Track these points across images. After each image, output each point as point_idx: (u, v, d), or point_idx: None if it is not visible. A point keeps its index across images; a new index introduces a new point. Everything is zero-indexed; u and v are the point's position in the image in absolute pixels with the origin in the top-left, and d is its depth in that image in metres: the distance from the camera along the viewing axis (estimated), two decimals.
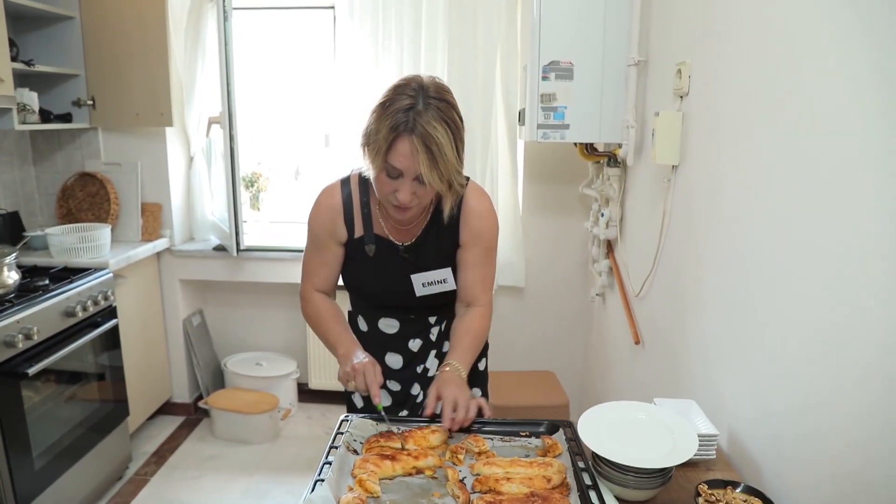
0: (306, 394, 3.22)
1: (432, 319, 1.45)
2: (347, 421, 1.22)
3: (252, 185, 3.41)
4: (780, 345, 1.14)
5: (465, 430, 1.21)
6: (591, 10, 2.01)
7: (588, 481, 1.03)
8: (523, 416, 2.19)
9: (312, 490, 0.99)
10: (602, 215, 2.33)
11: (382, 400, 1.27)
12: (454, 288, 1.40)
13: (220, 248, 2.95)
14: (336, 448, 1.11)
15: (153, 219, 2.93)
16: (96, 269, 2.41)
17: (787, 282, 1.11)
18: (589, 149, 2.29)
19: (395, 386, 1.46)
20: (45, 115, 2.64)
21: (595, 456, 1.09)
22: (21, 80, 2.52)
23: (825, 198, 1.01)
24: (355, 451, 1.14)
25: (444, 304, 1.44)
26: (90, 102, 2.74)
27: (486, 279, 1.41)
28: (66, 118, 2.71)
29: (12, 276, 2.07)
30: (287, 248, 2.95)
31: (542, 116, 2.09)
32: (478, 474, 1.08)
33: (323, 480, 1.00)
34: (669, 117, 1.65)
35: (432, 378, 1.45)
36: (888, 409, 0.85)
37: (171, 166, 2.93)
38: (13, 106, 2.26)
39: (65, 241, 2.51)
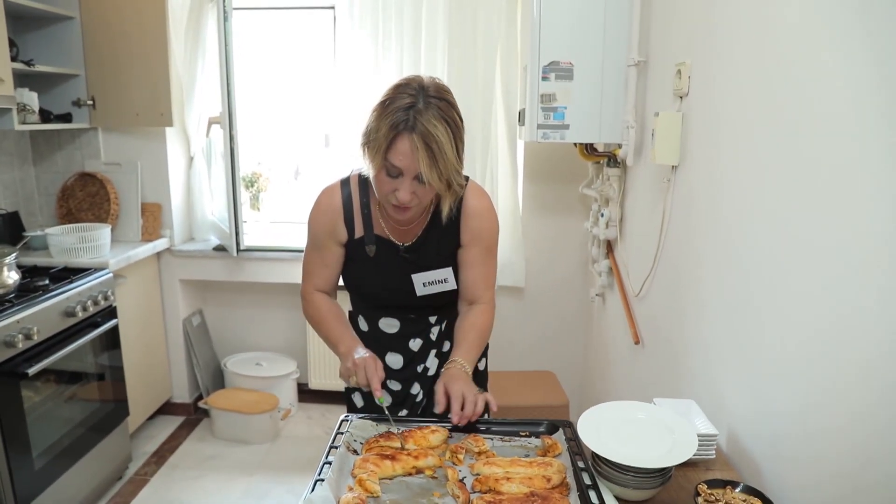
0: (306, 394, 3.23)
1: (433, 319, 1.45)
2: (347, 421, 1.23)
3: (252, 185, 3.41)
4: (779, 345, 1.15)
5: (466, 429, 1.21)
6: (591, 10, 2.01)
7: (588, 481, 1.03)
8: (523, 416, 2.18)
9: (312, 490, 0.99)
10: (602, 215, 2.33)
11: (384, 398, 1.27)
12: (455, 287, 1.41)
13: (220, 249, 2.95)
14: (336, 448, 1.12)
15: (153, 219, 2.93)
16: (96, 269, 2.41)
17: (787, 282, 1.11)
18: (589, 149, 2.30)
19: (395, 385, 1.46)
20: (45, 115, 2.64)
21: (595, 456, 1.10)
22: (21, 80, 2.52)
23: (825, 198, 1.01)
24: (355, 452, 1.15)
25: (445, 304, 1.44)
26: (90, 102, 2.74)
27: (488, 277, 1.41)
28: (66, 118, 2.72)
29: (12, 276, 2.07)
30: (287, 249, 2.96)
31: (542, 116, 2.09)
32: (478, 474, 1.08)
33: (323, 480, 1.00)
34: (669, 118, 1.65)
35: (432, 377, 1.46)
36: (888, 409, 0.86)
37: (171, 166, 2.93)
38: (13, 106, 2.26)
39: (65, 241, 2.51)
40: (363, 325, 1.48)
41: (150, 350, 2.90)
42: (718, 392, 1.40)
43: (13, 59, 2.35)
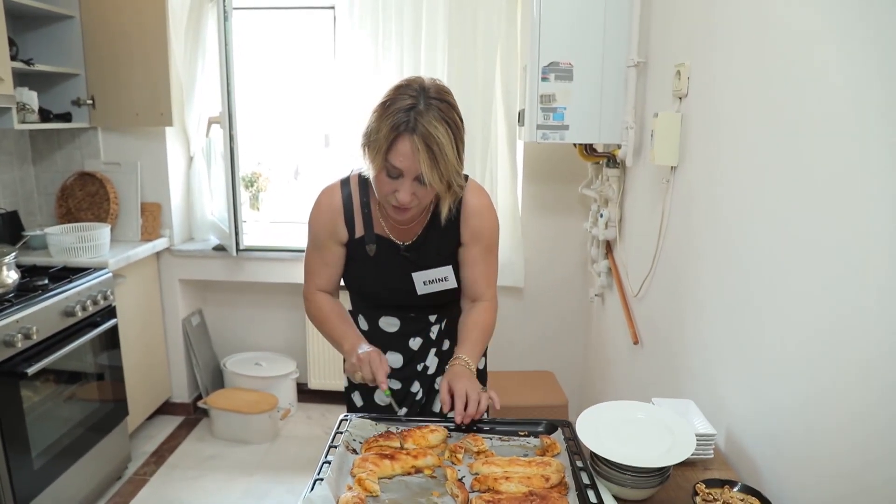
0: (306, 394, 3.23)
1: (432, 318, 1.46)
2: (347, 420, 1.23)
3: (252, 185, 3.42)
4: (778, 345, 1.15)
5: (465, 429, 1.21)
6: (591, 11, 2.02)
7: (586, 480, 1.03)
8: (522, 415, 2.18)
9: (312, 489, 0.99)
10: (601, 216, 2.33)
11: (389, 390, 1.29)
12: (455, 286, 1.41)
13: (219, 248, 2.95)
14: (335, 447, 1.12)
15: (153, 218, 2.93)
16: (96, 269, 2.41)
17: (787, 282, 1.12)
18: (588, 149, 2.30)
19: (395, 384, 1.46)
20: (45, 115, 2.64)
21: (593, 455, 1.10)
22: (20, 79, 2.52)
23: (825, 198, 1.01)
24: (354, 451, 1.15)
25: (445, 303, 1.45)
26: (90, 102, 2.74)
27: (489, 275, 1.42)
28: (66, 118, 2.72)
29: (11, 276, 2.07)
30: (286, 248, 2.96)
31: (542, 117, 2.09)
32: (476, 473, 1.08)
33: (322, 479, 1.00)
34: (668, 118, 1.65)
35: (432, 376, 1.46)
36: (888, 409, 0.86)
37: (171, 166, 2.93)
38: (13, 105, 2.26)
39: (64, 241, 2.51)
40: (363, 324, 1.48)
41: (149, 350, 2.90)
42: (717, 392, 1.40)
43: (13, 58, 2.35)
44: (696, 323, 1.55)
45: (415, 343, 1.45)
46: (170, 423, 3.06)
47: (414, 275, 1.38)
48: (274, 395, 2.97)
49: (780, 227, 1.15)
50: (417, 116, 1.15)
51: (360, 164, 1.30)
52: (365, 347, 1.32)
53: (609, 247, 2.41)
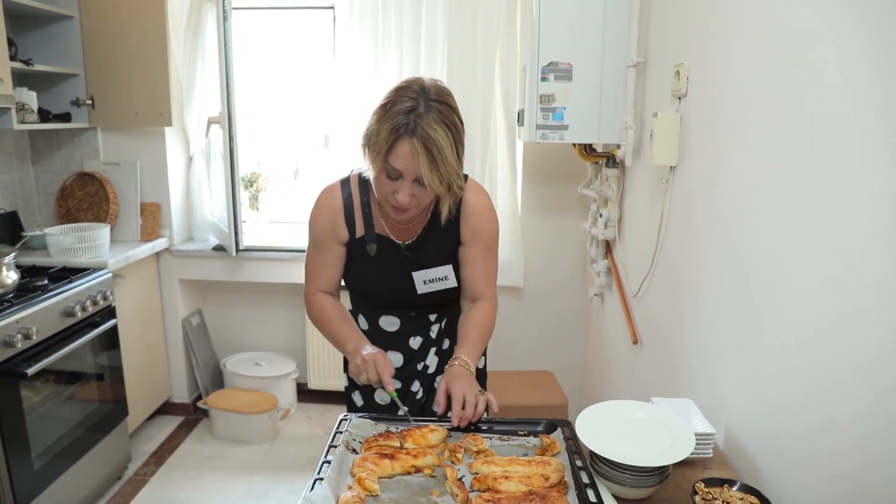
0: (305, 394, 3.23)
1: (432, 317, 1.46)
2: (346, 420, 1.23)
3: (251, 185, 3.42)
4: (778, 344, 1.15)
5: (465, 429, 1.22)
6: (591, 11, 2.02)
7: (586, 479, 1.03)
8: (522, 415, 2.19)
9: (312, 488, 0.99)
10: (600, 216, 2.33)
11: (395, 392, 1.29)
12: (455, 285, 1.41)
13: (219, 248, 2.95)
14: (335, 447, 1.12)
15: (152, 219, 2.93)
16: (95, 269, 2.41)
17: (786, 281, 1.12)
18: (588, 149, 2.30)
19: (395, 384, 1.46)
20: (44, 115, 2.64)
21: (593, 454, 1.10)
22: (20, 79, 2.52)
23: (825, 198, 1.01)
24: (354, 451, 1.15)
25: (445, 302, 1.45)
26: (89, 102, 2.74)
27: (489, 274, 1.43)
28: (65, 118, 2.71)
29: (11, 276, 2.07)
30: (286, 248, 2.96)
31: (541, 117, 2.10)
32: (476, 473, 1.08)
33: (322, 479, 1.00)
34: (668, 118, 1.66)
35: (432, 375, 1.47)
36: (887, 409, 0.86)
37: (171, 166, 2.93)
38: (12, 105, 2.26)
39: (64, 241, 2.51)
40: (363, 324, 1.48)
41: (149, 350, 2.90)
42: (716, 391, 1.41)
43: (12, 58, 2.34)
44: (695, 322, 1.55)
45: (415, 342, 1.46)
46: (170, 424, 3.06)
47: (414, 274, 1.38)
48: (274, 396, 2.97)
49: (779, 227, 1.15)
50: (417, 119, 1.15)
51: (359, 163, 1.30)
52: (369, 349, 1.32)
53: (608, 246, 2.41)
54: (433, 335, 1.47)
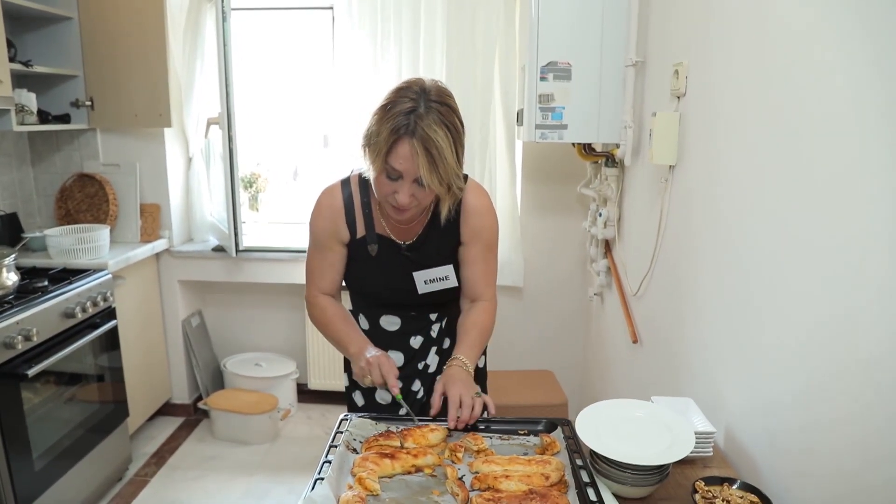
0: (306, 394, 3.23)
1: (433, 316, 1.46)
2: (347, 420, 1.23)
3: (251, 186, 3.42)
4: (777, 343, 1.15)
5: (465, 428, 1.22)
6: (590, 10, 2.02)
7: (586, 478, 1.03)
8: (522, 415, 2.19)
9: (312, 488, 0.99)
10: (600, 215, 2.34)
11: (400, 394, 1.29)
12: (456, 285, 1.42)
13: (218, 249, 2.95)
14: (336, 447, 1.12)
15: (152, 220, 2.93)
16: (95, 271, 2.41)
17: (785, 280, 1.12)
18: (587, 149, 2.30)
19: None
20: (44, 116, 2.64)
21: (593, 453, 1.10)
22: (19, 80, 2.52)
23: (825, 198, 1.01)
24: (355, 451, 1.15)
25: (446, 301, 1.45)
26: (89, 103, 2.74)
27: (489, 274, 1.43)
28: (65, 119, 2.72)
29: (11, 278, 2.07)
30: (286, 249, 2.96)
31: (541, 117, 2.10)
32: (477, 472, 1.08)
33: (323, 479, 1.00)
34: (667, 118, 1.66)
35: (433, 374, 1.47)
36: (886, 408, 0.86)
37: (170, 167, 2.93)
38: (11, 107, 2.26)
39: (63, 243, 2.51)
40: (364, 323, 1.48)
41: (149, 351, 2.90)
42: (716, 390, 1.41)
43: (11, 59, 2.34)
44: (695, 321, 1.56)
45: (415, 342, 1.46)
46: (170, 424, 3.06)
47: (415, 274, 1.38)
48: (274, 396, 2.97)
49: (779, 226, 1.15)
50: (417, 120, 1.15)
51: (359, 164, 1.30)
52: (372, 351, 1.33)
53: (608, 246, 2.41)
54: (434, 334, 1.47)
